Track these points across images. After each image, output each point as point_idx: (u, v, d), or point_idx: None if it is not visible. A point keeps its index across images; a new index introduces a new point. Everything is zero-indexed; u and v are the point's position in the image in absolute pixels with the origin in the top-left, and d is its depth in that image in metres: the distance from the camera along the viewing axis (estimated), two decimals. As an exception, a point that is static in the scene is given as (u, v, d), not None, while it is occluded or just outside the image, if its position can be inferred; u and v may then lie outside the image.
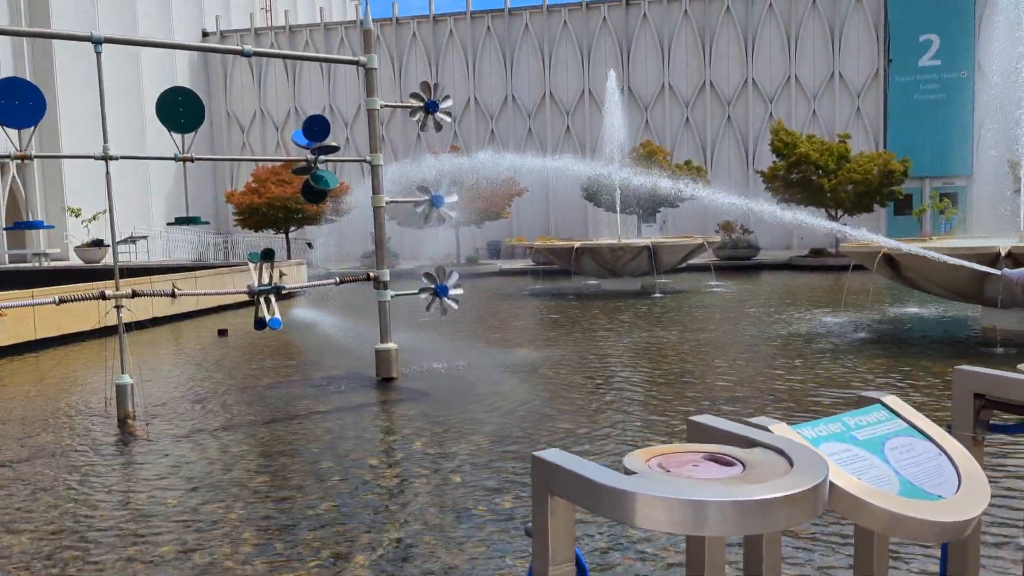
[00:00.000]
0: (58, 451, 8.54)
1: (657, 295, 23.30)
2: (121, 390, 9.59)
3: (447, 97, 11.72)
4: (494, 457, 7.68)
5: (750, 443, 2.44)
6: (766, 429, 2.58)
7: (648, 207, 37.37)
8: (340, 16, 62.58)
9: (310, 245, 41.51)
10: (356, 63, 11.33)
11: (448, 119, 11.76)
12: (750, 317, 18.11)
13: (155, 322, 19.19)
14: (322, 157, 10.89)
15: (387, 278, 11.52)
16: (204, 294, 16.12)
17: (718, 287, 25.59)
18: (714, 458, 2.31)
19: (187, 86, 48.90)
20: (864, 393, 3.18)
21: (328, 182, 10.99)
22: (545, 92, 47.13)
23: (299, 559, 5.42)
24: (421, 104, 11.46)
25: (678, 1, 45.49)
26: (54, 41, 39.34)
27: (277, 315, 10.45)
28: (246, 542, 5.78)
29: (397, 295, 11.72)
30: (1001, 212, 32.33)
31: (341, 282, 11.78)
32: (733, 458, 2.30)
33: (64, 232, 39.46)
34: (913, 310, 17.93)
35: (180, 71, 49.87)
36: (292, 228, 40.14)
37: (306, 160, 10.96)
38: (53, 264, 36.24)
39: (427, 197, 11.76)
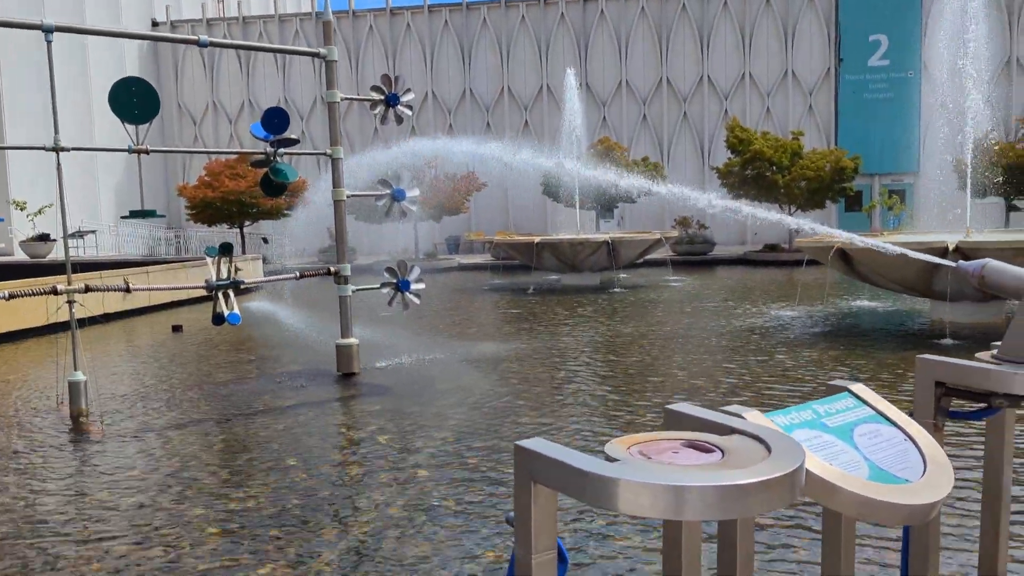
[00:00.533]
0: (7, 451, 8.33)
1: (616, 290, 23.45)
2: (74, 387, 9.41)
3: (408, 90, 11.64)
4: (460, 451, 7.67)
5: (726, 430, 2.45)
6: (740, 417, 2.59)
7: (606, 203, 37.55)
8: (294, 8, 61.87)
9: (265, 240, 41.13)
10: (316, 55, 11.19)
11: (409, 112, 11.70)
12: (707, 311, 18.30)
13: (107, 318, 18.80)
14: (281, 150, 10.75)
15: (348, 273, 11.42)
16: (159, 289, 15.79)
17: (675, 282, 25.83)
18: (693, 445, 2.31)
19: (131, 76, 47.82)
20: (833, 382, 3.21)
21: (288, 175, 10.86)
22: (503, 87, 47.15)
23: (264, 556, 5.36)
24: (382, 97, 11.37)
25: (634, 0, 45.84)
26: None
27: (236, 310, 10.30)
28: (208, 540, 5.70)
29: (358, 290, 11.60)
30: (947, 208, 33.14)
31: (301, 276, 11.64)
32: (712, 445, 2.30)
33: (8, 227, 38.44)
34: (865, 303, 18.26)
35: (129, 61, 49.03)
36: (247, 223, 39.57)
37: (264, 153, 10.80)
38: (-4, 260, 35.28)
39: (388, 191, 11.68)
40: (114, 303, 18.11)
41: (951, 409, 3.45)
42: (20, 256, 36.07)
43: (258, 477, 7.20)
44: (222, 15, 52.75)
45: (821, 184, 34.50)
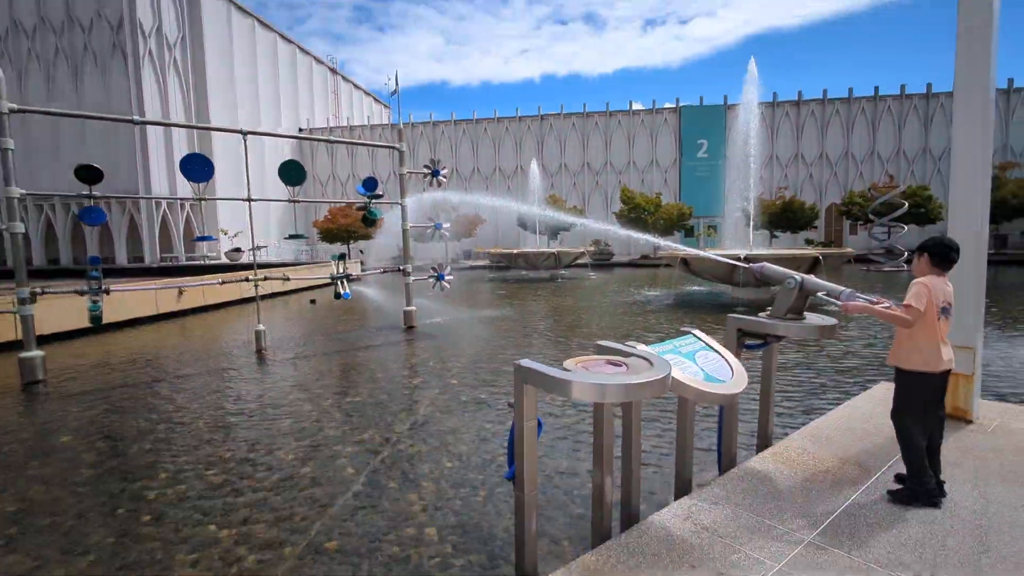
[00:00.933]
0: (223, 365, 8.30)
1: (560, 281, 23.47)
2: (258, 333, 9.34)
3: (444, 167, 11.60)
4: (476, 370, 7.73)
5: (627, 354, 2.55)
6: (634, 347, 2.69)
7: (553, 231, 37.51)
8: (377, 120, 61.10)
9: (361, 252, 40.82)
10: (394, 148, 11.10)
11: (444, 180, 11.64)
12: (611, 292, 18.39)
13: (273, 295, 18.67)
14: (374, 201, 10.70)
15: (410, 270, 11.40)
16: (302, 279, 15.52)
17: (593, 276, 25.92)
18: (610, 362, 2.41)
19: (290, 159, 46.34)
20: (683, 328, 3.31)
21: (376, 215, 10.80)
22: (495, 166, 46.77)
23: (366, 427, 5.43)
24: (429, 171, 11.34)
25: (569, 118, 45.53)
26: (213, 132, 37.65)
27: (348, 290, 10.26)
28: (336, 416, 5.75)
29: (416, 279, 11.60)
30: (738, 236, 33.44)
31: (384, 271, 11.64)
32: (621, 362, 2.41)
33: (217, 243, 38.07)
34: (695, 288, 18.45)
35: (285, 151, 48.26)
36: (351, 242, 39.21)
37: (364, 202, 10.74)
38: (211, 262, 34.77)
39: (433, 224, 11.66)
40: (277, 287, 17.97)
41: (745, 343, 3.57)
42: (224, 260, 35.58)
43: (362, 384, 7.24)
44: (338, 124, 51.89)
45: (671, 222, 34.63)
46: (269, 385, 7.21)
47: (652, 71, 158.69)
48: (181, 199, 29.83)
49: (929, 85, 40.95)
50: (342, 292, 10.09)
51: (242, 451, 4.90)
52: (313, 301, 17.08)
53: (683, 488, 3.24)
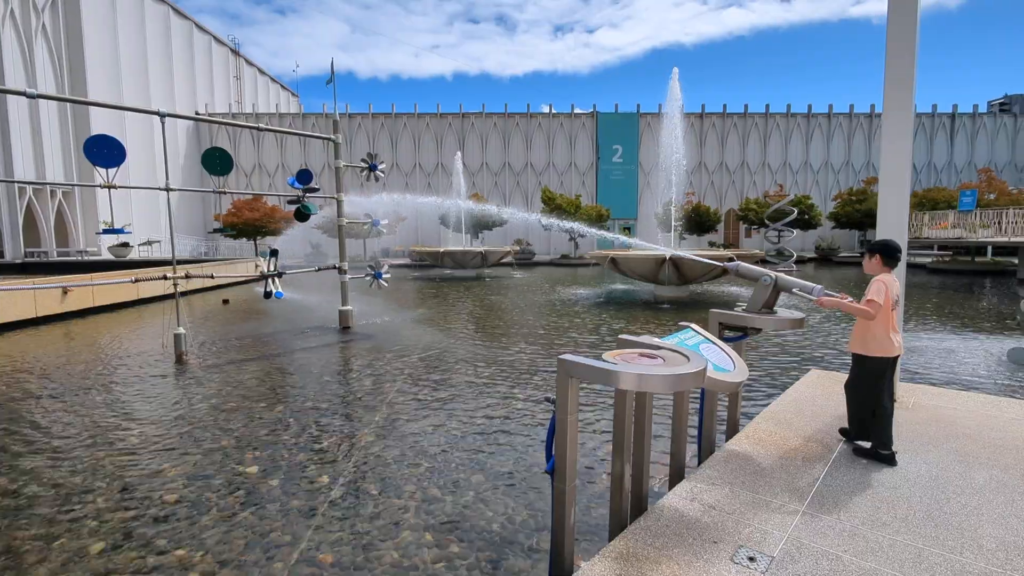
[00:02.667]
0: (128, 378, 7.50)
1: (487, 279, 23.58)
2: (178, 337, 8.52)
3: (382, 162, 11.27)
4: (430, 369, 7.63)
5: (657, 348, 2.69)
6: (645, 340, 2.84)
7: (475, 229, 37.56)
8: (285, 108, 57.65)
9: (269, 248, 38.28)
10: (329, 139, 10.59)
11: (383, 175, 11.32)
12: (542, 291, 18.78)
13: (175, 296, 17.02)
14: (308, 195, 10.14)
15: (347, 268, 10.94)
16: (236, 277, 14.25)
17: (518, 275, 26.31)
18: (644, 355, 2.53)
19: (185, 148, 43.33)
20: (680, 323, 3.52)
21: (311, 210, 10.26)
22: (416, 163, 45.92)
23: (328, 423, 5.19)
24: (367, 165, 10.95)
25: (491, 118, 45.79)
26: (91, 108, 33.52)
27: (280, 289, 9.66)
28: (283, 424, 5.45)
29: (352, 277, 11.15)
30: (651, 236, 35.47)
31: (319, 269, 11.06)
32: (655, 355, 2.54)
33: (99, 237, 33.93)
34: (619, 287, 19.35)
35: (179, 137, 44.07)
36: (258, 238, 36.63)
37: (297, 196, 10.15)
38: (92, 259, 30.88)
39: (370, 220, 11.29)
40: (181, 286, 16.37)
41: (726, 336, 3.87)
42: (107, 257, 31.75)
43: (310, 385, 6.88)
44: (242, 111, 48.20)
45: (591, 224, 35.95)
46: (193, 395, 6.62)
47: (563, 76, 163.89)
48: (52, 184, 26.23)
49: (809, 106, 46.10)
50: (274, 291, 9.47)
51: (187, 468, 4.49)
52: (226, 301, 15.80)
53: (678, 472, 3.47)
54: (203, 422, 5.49)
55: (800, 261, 32.51)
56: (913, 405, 4.68)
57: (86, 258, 30.91)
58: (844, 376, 5.66)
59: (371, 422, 5.43)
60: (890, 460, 3.39)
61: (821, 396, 4.91)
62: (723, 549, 2.54)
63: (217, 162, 8.76)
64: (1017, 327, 10.03)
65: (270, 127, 10.06)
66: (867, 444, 3.56)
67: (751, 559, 2.46)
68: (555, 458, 2.44)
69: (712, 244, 41.19)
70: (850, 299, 3.41)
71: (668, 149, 24.92)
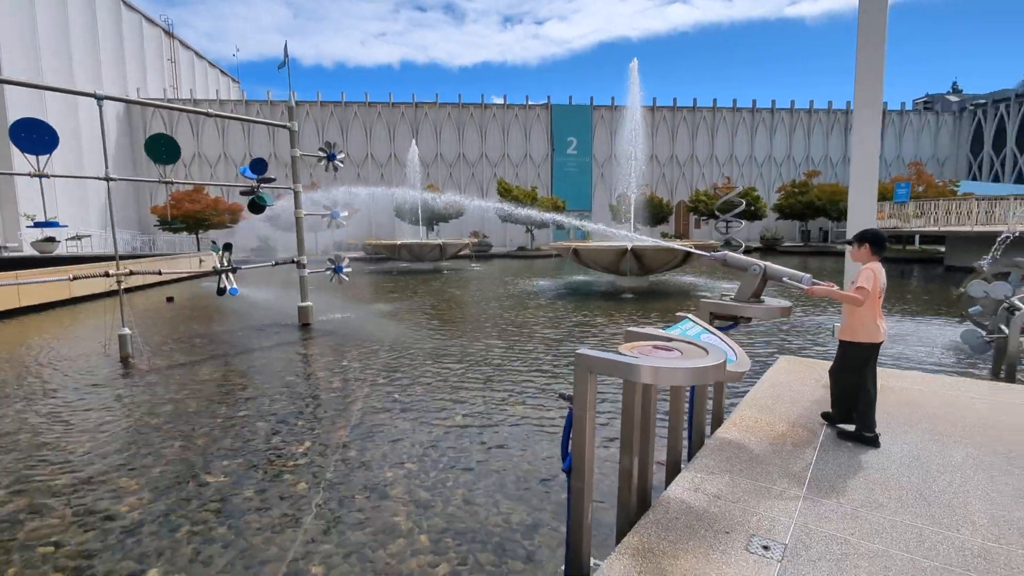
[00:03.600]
0: (69, 384, 6.90)
1: (445, 272, 23.28)
2: (123, 338, 7.91)
3: (341, 151, 10.82)
4: (399, 366, 7.42)
5: (669, 340, 2.64)
6: (653, 332, 2.79)
7: (431, 221, 37.02)
8: (226, 95, 54.69)
9: (213, 243, 36.28)
10: (286, 127, 10.05)
11: (342, 165, 10.87)
12: (503, 283, 18.70)
13: (110, 294, 15.87)
14: (263, 186, 9.59)
15: (306, 261, 10.48)
16: (181, 273, 13.21)
17: (477, 267, 26.13)
18: (658, 347, 2.48)
19: (115, 136, 40.53)
20: (678, 313, 3.51)
21: (267, 201, 9.72)
22: (368, 153, 44.68)
23: (302, 424, 4.94)
24: (325, 154, 10.49)
25: (444, 108, 45.10)
26: (6, 89, 30.67)
27: (235, 285, 9.13)
28: (251, 429, 5.15)
29: (312, 272, 10.69)
30: (605, 229, 36.01)
31: (276, 264, 10.52)
32: (670, 347, 2.49)
33: (20, 232, 31.11)
34: (580, 277, 19.53)
35: (108, 123, 41.00)
36: (200, 232, 34.66)
37: (251, 186, 9.58)
38: (12, 255, 28.31)
39: (329, 211, 10.84)
40: (109, 284, 15.23)
41: (716, 325, 3.89)
42: (30, 252, 29.16)
43: (274, 385, 6.54)
44: (178, 97, 45.36)
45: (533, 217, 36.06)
46: (163, 396, 6.15)
47: (512, 68, 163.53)
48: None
49: (754, 101, 47.92)
50: (228, 287, 8.93)
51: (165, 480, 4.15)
52: (171, 299, 14.87)
53: (675, 465, 3.47)
54: (161, 429, 5.09)
55: (747, 251, 33.91)
56: (882, 388, 4.89)
57: (6, 254, 28.31)
58: (813, 362, 5.87)
59: (346, 423, 5.19)
60: (874, 442, 3.51)
61: (796, 382, 5.07)
62: (736, 539, 2.54)
63: (163, 150, 8.13)
64: (961, 311, 10.78)
65: (222, 114, 9.44)
66: (850, 427, 3.68)
67: (765, 548, 2.47)
68: (572, 455, 2.36)
69: (664, 235, 42.30)
70: (835, 287, 3.49)
71: (626, 142, 25.31)
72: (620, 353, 2.31)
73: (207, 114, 8.91)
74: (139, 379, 6.95)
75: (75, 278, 7.39)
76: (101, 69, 40.02)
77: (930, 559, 2.37)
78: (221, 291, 9.11)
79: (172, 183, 8.25)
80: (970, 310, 6.78)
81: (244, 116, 11.64)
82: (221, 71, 58.13)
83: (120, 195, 41.55)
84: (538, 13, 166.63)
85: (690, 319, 3.31)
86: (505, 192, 36.10)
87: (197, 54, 52.87)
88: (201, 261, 23.45)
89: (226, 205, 34.44)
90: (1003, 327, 5.95)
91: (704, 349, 2.38)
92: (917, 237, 30.47)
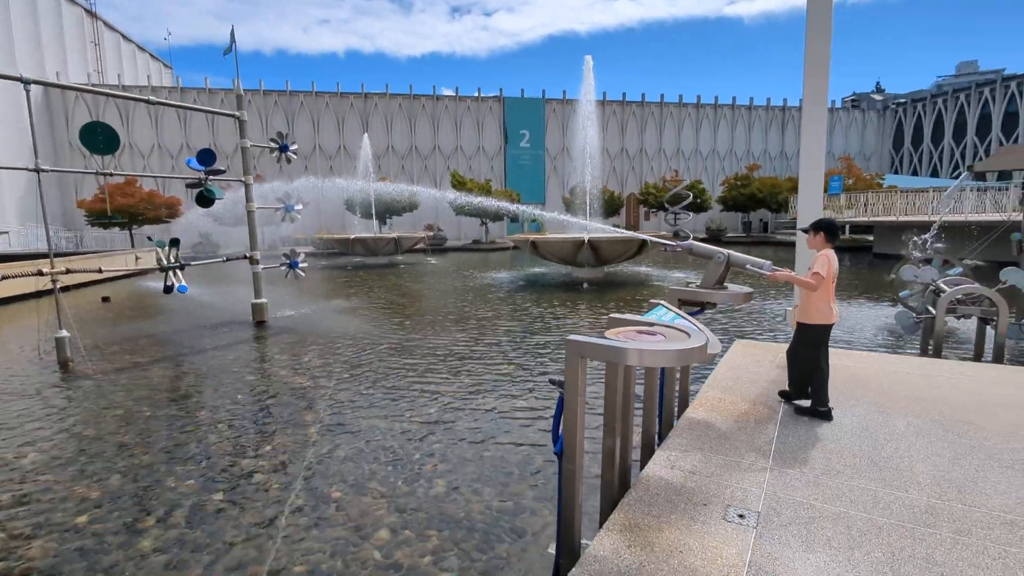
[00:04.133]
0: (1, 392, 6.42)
1: (401, 266, 22.94)
2: (61, 341, 7.40)
3: (294, 142, 10.46)
4: (342, 355, 7.32)
5: (651, 325, 2.76)
6: (632, 317, 2.91)
7: (383, 215, 36.27)
8: (158, 81, 51.35)
9: (150, 239, 34.18)
10: (234, 116, 9.60)
11: (295, 156, 10.51)
12: (462, 276, 18.63)
13: (39, 295, 14.73)
14: (211, 178, 9.14)
15: (259, 257, 10.09)
16: (118, 271, 12.31)
17: (433, 261, 25.87)
18: (642, 332, 2.59)
19: (35, 122, 38.02)
20: (651, 300, 3.65)
21: (216, 194, 9.26)
22: (316, 144, 43.17)
23: (266, 424, 4.81)
24: (277, 145, 10.12)
25: (395, 99, 44.20)
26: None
27: (184, 282, 8.70)
28: (213, 431, 4.97)
29: (266, 268, 10.31)
30: (558, 221, 36.42)
31: (228, 260, 10.06)
32: (653, 332, 2.60)
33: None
34: (538, 269, 19.71)
35: (25, 110, 37.73)
36: (133, 227, 32.55)
37: (198, 178, 9.10)
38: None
39: (283, 205, 10.48)
40: (46, 283, 14.13)
41: (686, 311, 4.06)
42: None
43: (233, 385, 6.31)
44: (104, 81, 42.26)
45: (501, 208, 36.04)
46: (111, 401, 5.81)
47: (461, 59, 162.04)
48: None
49: (699, 97, 49.62)
50: (176, 285, 8.50)
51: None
52: (106, 299, 13.97)
53: (649, 444, 3.62)
54: (115, 435, 4.83)
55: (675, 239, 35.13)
56: (831, 366, 5.26)
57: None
58: (765, 344, 6.23)
59: (314, 420, 5.09)
60: (827, 416, 3.79)
61: (752, 364, 5.37)
62: (713, 510, 2.70)
63: (100, 139, 7.61)
64: (893, 295, 11.63)
65: (169, 102, 8.92)
66: (805, 403, 3.95)
67: (741, 516, 2.64)
68: (563, 438, 2.43)
69: (616, 227, 43.25)
70: (795, 272, 3.74)
71: (580, 136, 25.56)
72: (606, 338, 2.40)
73: (149, 101, 8.39)
74: (83, 384, 6.53)
75: (4, 277, 6.82)
76: (14, 51, 36.74)
77: (885, 517, 2.60)
78: (168, 289, 8.67)
79: (111, 175, 7.73)
80: (900, 294, 7.36)
81: (187, 104, 10.99)
82: (151, 55, 54.54)
83: (32, 189, 38.44)
84: (487, 4, 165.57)
85: (663, 306, 3.46)
86: (459, 184, 35.82)
87: (124, 36, 49.35)
88: (138, 258, 22.11)
89: (162, 199, 32.54)
90: (930, 308, 6.50)
91: (686, 333, 2.51)
92: (848, 227, 32.55)
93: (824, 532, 2.49)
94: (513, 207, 15.96)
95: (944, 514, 2.62)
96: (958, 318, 6.71)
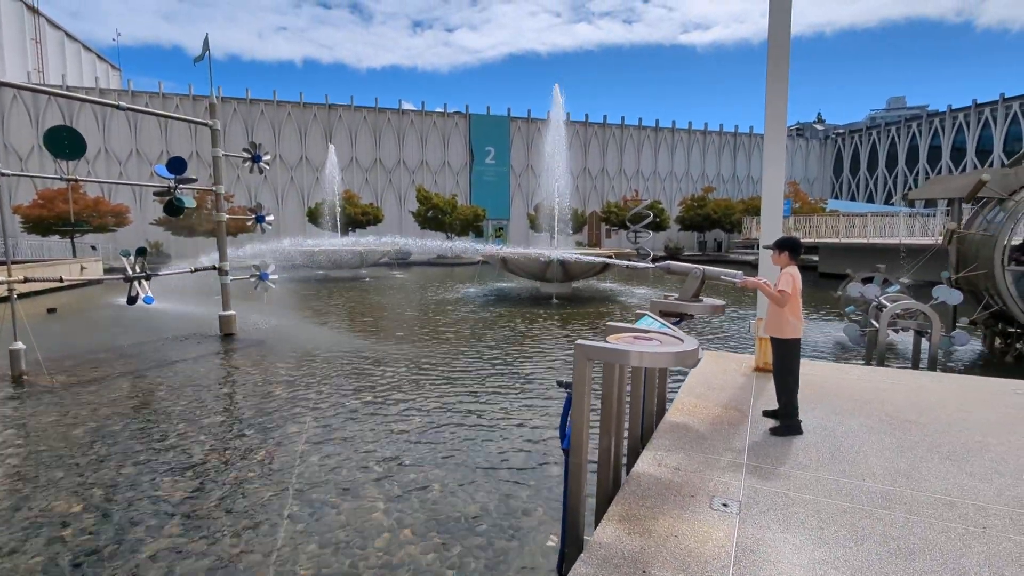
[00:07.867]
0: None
1: (367, 279, 22.76)
2: (15, 354, 7.09)
3: (267, 152, 10.41)
4: (316, 363, 7.34)
5: (646, 331, 3.04)
6: (626, 325, 3.19)
7: (346, 227, 35.82)
8: (105, 83, 49.26)
9: (94, 248, 32.44)
10: (207, 124, 9.48)
11: (267, 167, 10.45)
12: (430, 289, 18.66)
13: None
14: (181, 187, 8.98)
15: (228, 268, 9.92)
16: (94, 279, 11.63)
17: (399, 275, 25.75)
18: (638, 338, 2.87)
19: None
20: (637, 310, 3.94)
21: (185, 203, 9.09)
22: (276, 155, 42.30)
23: (245, 431, 4.82)
24: (250, 155, 10.05)
25: (360, 111, 43.98)
26: None
27: (150, 293, 8.48)
28: (195, 442, 4.94)
29: (235, 279, 10.13)
30: (523, 237, 36.99)
31: (195, 271, 9.79)
32: (649, 338, 2.89)
33: None
34: (505, 284, 19.94)
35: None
36: (77, 236, 30.86)
37: (167, 187, 8.92)
38: None
39: (255, 216, 10.37)
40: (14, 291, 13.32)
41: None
42: None
43: (207, 398, 6.23)
44: (45, 82, 40.21)
45: (467, 223, 36.39)
46: (78, 415, 5.64)
47: (422, 73, 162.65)
48: None
49: (657, 121, 51.69)
50: (142, 296, 8.28)
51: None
52: (52, 310, 13.29)
53: (635, 444, 3.90)
54: (85, 450, 4.71)
55: (654, 260, 36.43)
56: (788, 374, 5.72)
57: None
58: (730, 355, 6.66)
59: (298, 430, 5.13)
60: (798, 429, 4.00)
61: (720, 372, 5.77)
62: (700, 501, 2.99)
63: (64, 144, 7.42)
64: (840, 310, 12.49)
65: (135, 107, 8.74)
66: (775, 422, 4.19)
67: (725, 505, 2.93)
68: (571, 434, 2.66)
69: (579, 244, 44.20)
70: (766, 280, 4.11)
71: (549, 158, 26.12)
72: (609, 343, 2.66)
73: (117, 106, 8.22)
74: (41, 398, 6.28)
75: (-40, 285, 6.51)
76: (-53, 46, 34.62)
77: (848, 502, 2.95)
78: (132, 300, 8.43)
79: (76, 180, 7.52)
80: (846, 309, 8.03)
81: (165, 112, 10.63)
82: (98, 56, 52.37)
83: (-29, 192, 36.00)
84: (449, 20, 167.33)
85: (649, 316, 3.76)
86: (425, 200, 35.93)
87: (68, 35, 47.27)
88: (83, 268, 21.06)
89: (108, 207, 31.08)
90: (874, 322, 7.13)
91: (679, 338, 2.80)
92: (795, 248, 34.51)
93: (798, 516, 2.81)
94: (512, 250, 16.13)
95: (896, 498, 2.99)
96: (896, 331, 7.38)
